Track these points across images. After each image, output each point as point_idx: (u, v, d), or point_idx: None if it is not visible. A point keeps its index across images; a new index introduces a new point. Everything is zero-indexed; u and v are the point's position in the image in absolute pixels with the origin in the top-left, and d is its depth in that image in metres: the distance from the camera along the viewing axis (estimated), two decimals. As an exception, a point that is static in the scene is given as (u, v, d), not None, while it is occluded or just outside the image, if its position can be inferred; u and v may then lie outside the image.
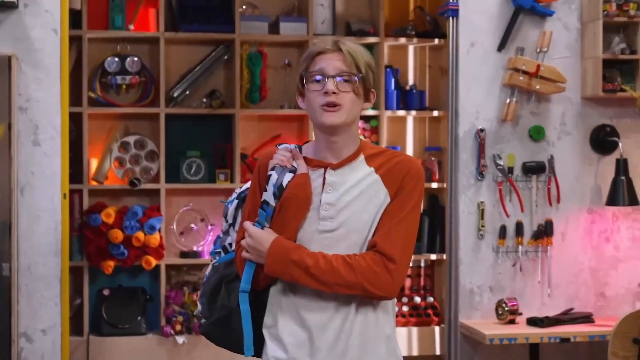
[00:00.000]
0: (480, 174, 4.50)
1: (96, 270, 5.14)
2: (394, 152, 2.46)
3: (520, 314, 4.41)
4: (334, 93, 2.33)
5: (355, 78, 2.35)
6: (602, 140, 4.60)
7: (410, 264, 5.36)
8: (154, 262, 5.10)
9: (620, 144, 4.53)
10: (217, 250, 2.61)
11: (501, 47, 4.50)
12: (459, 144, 4.50)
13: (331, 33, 5.35)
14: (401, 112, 5.42)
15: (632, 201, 4.47)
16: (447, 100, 4.56)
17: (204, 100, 5.26)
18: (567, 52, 4.57)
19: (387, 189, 2.38)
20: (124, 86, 5.24)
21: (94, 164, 5.21)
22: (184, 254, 5.27)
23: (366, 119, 5.38)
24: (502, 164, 4.52)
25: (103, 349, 5.06)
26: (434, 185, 5.38)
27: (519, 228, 4.51)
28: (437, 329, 5.33)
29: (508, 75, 4.47)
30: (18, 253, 4.05)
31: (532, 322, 4.36)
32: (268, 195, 2.38)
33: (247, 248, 2.37)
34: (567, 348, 4.57)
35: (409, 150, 5.54)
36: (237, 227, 2.54)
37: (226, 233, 2.59)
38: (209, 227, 5.28)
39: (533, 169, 4.53)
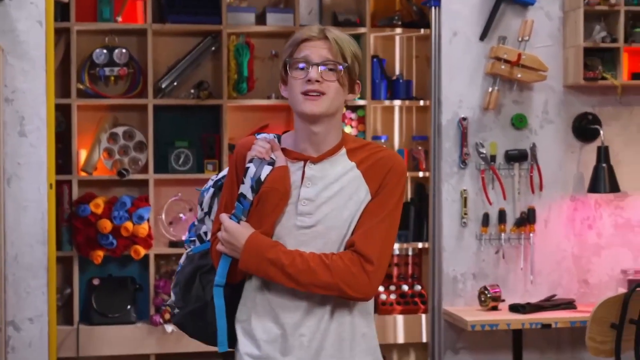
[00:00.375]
0: (463, 162, 4.55)
1: (86, 260, 5.20)
2: (377, 146, 2.39)
3: (503, 300, 4.46)
4: (317, 82, 2.26)
5: (340, 67, 2.28)
6: (584, 128, 4.64)
7: (398, 252, 5.47)
8: (142, 251, 5.15)
9: (601, 132, 4.57)
10: (192, 238, 2.54)
11: (483, 36, 4.54)
12: (442, 133, 4.54)
13: (318, 23, 5.38)
14: (388, 102, 5.46)
15: (613, 188, 4.51)
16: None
17: (192, 91, 5.31)
18: (550, 41, 4.60)
19: (368, 186, 2.30)
20: (112, 78, 5.29)
21: (83, 154, 5.26)
22: (173, 244, 5.32)
23: (353, 108, 5.43)
24: (484, 152, 4.56)
25: (93, 337, 5.12)
26: (421, 174, 5.42)
27: (502, 216, 4.56)
28: (424, 316, 5.38)
29: (490, 64, 4.51)
30: (5, 243, 4.11)
31: (514, 308, 4.41)
32: (245, 189, 2.31)
33: (223, 242, 2.31)
34: (549, 334, 4.62)
35: (396, 140, 5.59)
36: (212, 216, 2.47)
37: (201, 221, 2.52)
38: (198, 217, 5.33)
39: (515, 157, 4.57)
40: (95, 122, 5.30)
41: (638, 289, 3.94)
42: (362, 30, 5.39)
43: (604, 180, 4.50)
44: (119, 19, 5.26)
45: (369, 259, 2.24)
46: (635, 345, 3.98)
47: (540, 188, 4.60)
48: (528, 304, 4.43)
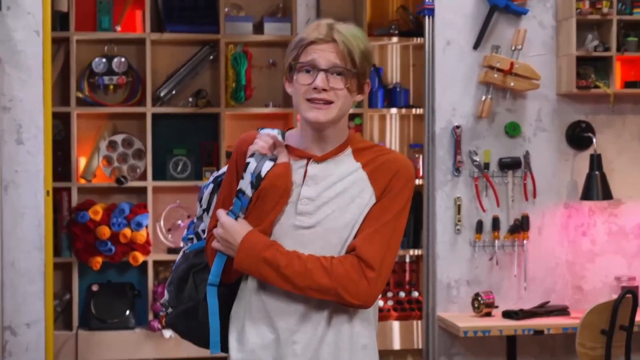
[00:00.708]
0: (457, 169, 4.58)
1: (85, 266, 5.25)
2: (384, 148, 2.30)
3: (497, 306, 4.48)
4: (324, 90, 2.16)
5: (350, 72, 2.18)
6: (578, 136, 4.67)
7: (396, 259, 5.49)
8: (141, 258, 5.21)
9: (594, 140, 4.61)
10: (190, 236, 2.45)
11: (477, 45, 4.58)
12: (435, 141, 4.58)
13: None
14: (385, 110, 5.51)
15: (606, 195, 4.54)
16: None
17: (190, 99, 5.37)
18: (543, 50, 4.64)
19: (374, 189, 2.22)
20: (111, 86, 5.35)
21: (82, 162, 5.33)
22: (171, 250, 5.37)
23: (350, 117, 5.47)
24: (478, 159, 4.59)
25: (92, 343, 5.18)
26: (418, 181, 5.45)
27: (496, 223, 4.59)
28: (419, 323, 5.41)
29: (483, 73, 4.55)
30: (2, 249, 4.17)
31: (507, 314, 4.44)
32: (245, 184, 2.22)
33: (218, 239, 2.23)
34: (544, 340, 4.65)
35: (393, 148, 5.63)
36: (211, 213, 2.36)
37: (200, 219, 2.42)
38: (196, 224, 5.38)
39: (509, 165, 4.60)
40: (95, 130, 5.37)
41: (628, 295, 3.98)
42: (359, 39, 5.42)
43: (596, 187, 4.53)
44: (118, 28, 5.33)
45: (371, 265, 2.16)
46: (625, 352, 4.01)
47: (534, 195, 4.63)
48: (521, 310, 4.45)
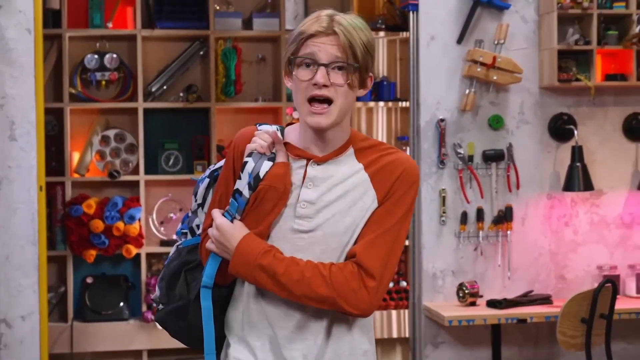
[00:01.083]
0: (442, 162, 4.67)
1: (80, 259, 5.35)
2: (388, 147, 2.19)
3: (481, 296, 4.58)
4: (325, 86, 2.07)
5: (351, 67, 2.08)
6: (560, 129, 4.76)
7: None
8: (134, 250, 5.31)
9: (575, 132, 4.70)
10: (184, 230, 2.35)
11: (460, 39, 4.67)
12: (420, 134, 4.67)
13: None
14: (372, 103, 5.60)
15: (587, 186, 4.63)
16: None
17: (181, 94, 5.47)
18: (525, 44, 4.73)
19: (376, 192, 2.12)
20: (103, 82, 5.44)
21: (75, 157, 5.42)
22: (164, 243, 5.47)
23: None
24: (462, 152, 4.68)
25: (87, 334, 5.28)
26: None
27: (480, 214, 4.68)
28: (407, 312, 5.51)
29: (467, 67, 4.64)
30: (-4, 243, 4.27)
31: (492, 304, 4.53)
32: (242, 185, 2.12)
33: (213, 240, 2.14)
34: (528, 329, 4.75)
35: (381, 140, 5.71)
36: (206, 208, 2.28)
37: (194, 213, 2.33)
38: (188, 217, 5.48)
39: (492, 157, 4.69)
40: (88, 125, 5.46)
41: (607, 284, 4.08)
42: (346, 33, 5.50)
43: (578, 179, 4.62)
44: (110, 25, 5.42)
45: (371, 274, 2.07)
46: (605, 339, 4.11)
47: (517, 187, 4.72)
48: (505, 299, 4.55)
